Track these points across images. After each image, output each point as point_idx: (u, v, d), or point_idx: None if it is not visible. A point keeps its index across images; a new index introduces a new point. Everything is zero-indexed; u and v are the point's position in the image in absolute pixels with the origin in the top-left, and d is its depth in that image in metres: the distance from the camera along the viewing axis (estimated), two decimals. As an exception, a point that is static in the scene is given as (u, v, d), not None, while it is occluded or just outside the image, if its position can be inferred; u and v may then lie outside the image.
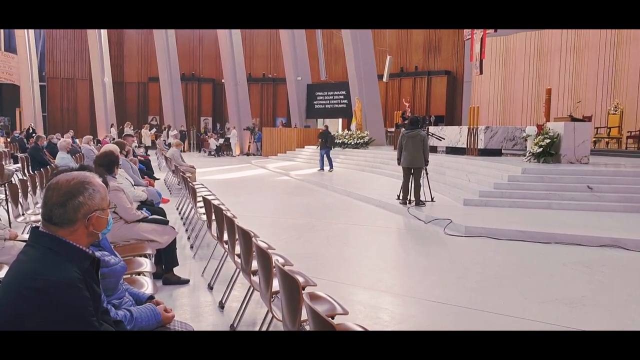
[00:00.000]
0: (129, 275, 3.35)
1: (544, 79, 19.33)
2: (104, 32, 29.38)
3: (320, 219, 8.46)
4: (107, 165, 4.41)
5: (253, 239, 3.06)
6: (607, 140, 15.72)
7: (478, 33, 15.14)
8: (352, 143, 19.37)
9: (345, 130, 21.87)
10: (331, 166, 16.21)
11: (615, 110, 15.44)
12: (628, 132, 15.28)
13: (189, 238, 6.64)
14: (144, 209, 4.89)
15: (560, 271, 5.31)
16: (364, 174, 15.15)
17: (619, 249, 6.05)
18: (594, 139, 15.21)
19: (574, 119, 11.01)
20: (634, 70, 16.23)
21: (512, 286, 4.84)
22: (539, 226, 6.97)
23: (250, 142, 26.97)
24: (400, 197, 9.18)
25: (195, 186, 8.79)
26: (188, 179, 7.19)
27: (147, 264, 3.71)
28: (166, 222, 4.77)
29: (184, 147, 29.42)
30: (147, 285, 3.18)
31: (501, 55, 21.12)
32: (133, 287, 2.57)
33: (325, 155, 16.17)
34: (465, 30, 16.09)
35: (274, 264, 2.44)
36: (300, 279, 3.37)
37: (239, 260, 3.75)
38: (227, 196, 11.18)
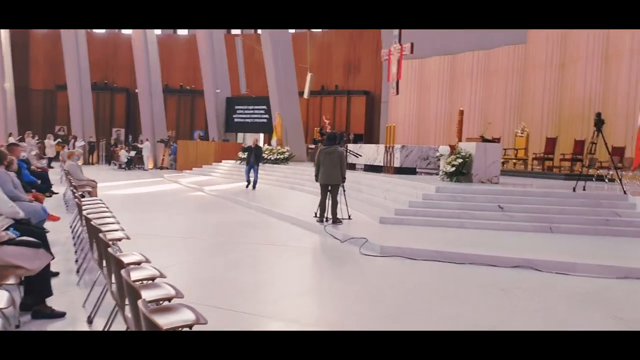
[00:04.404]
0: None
1: (456, 101, 19.99)
2: (4, 32, 27.04)
3: (231, 239, 7.92)
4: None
5: (124, 269, 2.53)
6: (514, 161, 16.40)
7: (395, 54, 15.33)
8: (272, 158, 18.96)
9: (266, 145, 21.46)
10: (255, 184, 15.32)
11: (522, 133, 16.17)
12: (534, 153, 16.03)
13: (77, 261, 5.88)
14: (11, 229, 4.16)
15: (475, 295, 5.15)
16: (283, 190, 14.74)
17: (531, 270, 6.03)
18: (503, 160, 15.79)
19: (484, 140, 11.27)
20: (539, 94, 17.14)
21: (428, 312, 4.59)
22: (454, 246, 6.87)
23: (164, 156, 25.84)
24: (318, 215, 8.87)
25: (93, 202, 7.97)
26: (76, 194, 6.42)
27: (2, 298, 3.05)
28: (39, 245, 4.07)
29: (92, 159, 27.69)
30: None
31: (417, 77, 21.68)
32: None
33: (254, 170, 15.23)
34: (382, 50, 16.26)
35: (140, 305, 1.95)
36: (189, 317, 2.89)
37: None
38: (131, 213, 10.36)
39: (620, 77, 14.59)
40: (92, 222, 3.83)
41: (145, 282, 3.80)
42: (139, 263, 4.31)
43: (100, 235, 3.29)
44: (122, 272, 2.31)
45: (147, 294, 3.29)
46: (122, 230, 5.81)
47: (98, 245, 3.66)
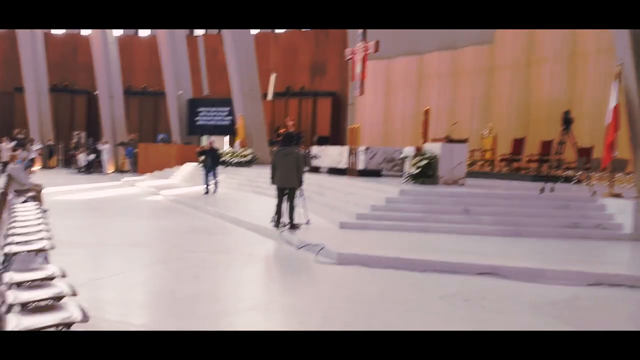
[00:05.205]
0: None
1: (423, 102, 19.70)
2: (-45, 32, 25.82)
3: (179, 246, 7.33)
4: None
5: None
6: (481, 162, 16.18)
7: (359, 53, 14.93)
8: (235, 161, 18.33)
9: (228, 147, 20.81)
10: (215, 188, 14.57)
11: (489, 133, 15.97)
12: (500, 155, 15.84)
13: None
14: None
15: (437, 307, 4.70)
16: (244, 194, 14.13)
17: (497, 278, 5.62)
18: (469, 162, 15.54)
19: (450, 140, 10.92)
20: (506, 96, 17.00)
21: (385, 328, 4.12)
22: (416, 253, 6.43)
23: (124, 159, 25.00)
24: (274, 220, 8.34)
25: (25, 208, 7.30)
26: (5, 200, 5.74)
27: None
28: None
29: (51, 163, 26.58)
30: None
31: (383, 78, 21.35)
32: None
33: (213, 175, 14.47)
34: (346, 49, 15.83)
35: None
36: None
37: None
38: (79, 219, 9.80)
39: (587, 78, 14.51)
40: None
41: (49, 302, 3.23)
42: (51, 278, 3.73)
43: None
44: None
45: (40, 319, 2.76)
46: (49, 239, 5.20)
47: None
